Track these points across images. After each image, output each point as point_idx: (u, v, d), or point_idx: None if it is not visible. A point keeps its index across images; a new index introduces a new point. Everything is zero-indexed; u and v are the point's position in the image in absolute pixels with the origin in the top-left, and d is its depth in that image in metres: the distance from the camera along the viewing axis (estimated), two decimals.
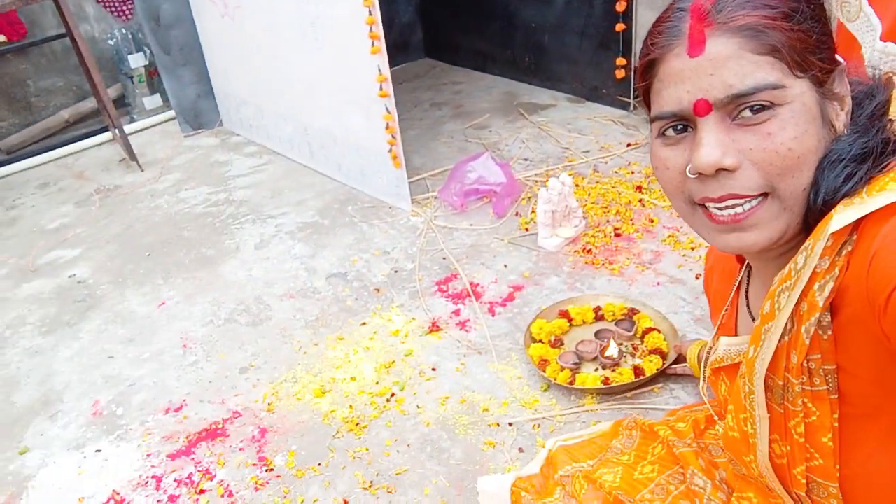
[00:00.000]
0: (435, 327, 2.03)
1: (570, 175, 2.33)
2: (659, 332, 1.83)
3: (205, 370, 2.01)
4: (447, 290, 2.19)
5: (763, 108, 0.61)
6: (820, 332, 0.63)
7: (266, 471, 1.65)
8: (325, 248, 2.55)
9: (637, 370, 1.70)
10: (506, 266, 2.27)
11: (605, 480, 0.99)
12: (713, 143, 0.62)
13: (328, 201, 2.89)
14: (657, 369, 1.70)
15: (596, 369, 1.77)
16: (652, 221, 2.40)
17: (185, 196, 3.10)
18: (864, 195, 0.60)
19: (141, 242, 2.75)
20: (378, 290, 2.26)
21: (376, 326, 2.09)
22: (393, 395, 1.82)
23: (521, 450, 1.60)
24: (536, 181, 2.75)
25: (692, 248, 2.23)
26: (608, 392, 1.69)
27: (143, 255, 2.66)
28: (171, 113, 3.80)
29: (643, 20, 3.04)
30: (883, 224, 0.56)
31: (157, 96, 3.88)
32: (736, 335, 0.84)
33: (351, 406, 1.81)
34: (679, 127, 0.66)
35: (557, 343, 1.86)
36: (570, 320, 1.93)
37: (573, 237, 2.32)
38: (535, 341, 1.87)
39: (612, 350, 1.78)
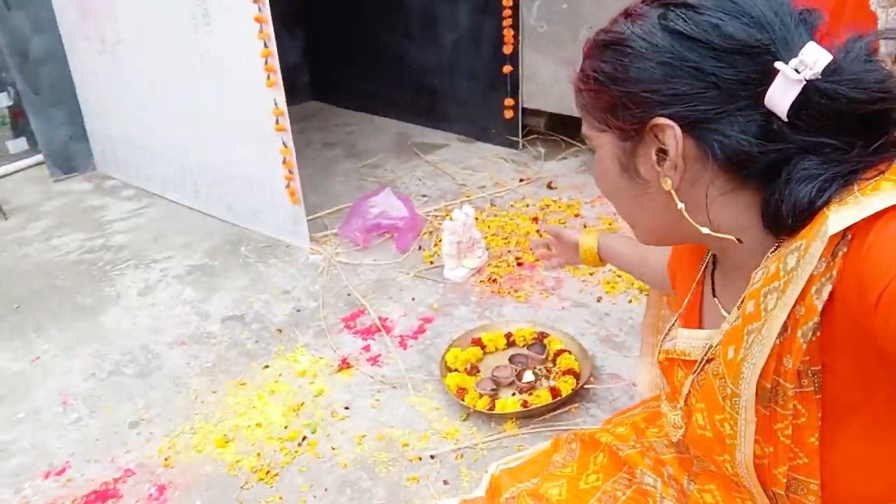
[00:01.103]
0: (345, 364, 1.95)
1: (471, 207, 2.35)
2: (570, 353, 1.85)
3: (90, 427, 1.81)
4: (355, 326, 2.13)
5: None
6: (810, 334, 0.62)
7: None
8: (218, 290, 2.42)
9: (554, 391, 1.71)
10: (413, 299, 2.24)
11: (551, 495, 0.96)
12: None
13: (217, 242, 2.75)
14: (572, 389, 1.71)
15: (513, 394, 1.76)
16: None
17: (58, 243, 2.85)
18: (857, 194, 0.58)
19: (9, 294, 2.48)
20: (280, 331, 2.15)
21: (281, 368, 1.98)
22: (305, 438, 1.72)
23: (445, 482, 1.54)
24: (436, 216, 2.75)
25: (591, 274, 2.30)
26: (528, 415, 1.68)
27: (11, 307, 2.40)
28: (39, 157, 3.51)
29: (529, 62, 3.18)
30: (876, 222, 0.56)
31: (23, 140, 3.58)
32: (700, 326, 0.84)
33: (259, 454, 1.69)
34: None
35: (474, 371, 1.84)
36: (483, 348, 1.92)
37: (478, 267, 2.33)
38: (450, 370, 1.83)
39: (528, 377, 1.78)
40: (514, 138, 3.42)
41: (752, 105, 0.62)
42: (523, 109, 3.34)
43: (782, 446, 0.68)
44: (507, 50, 3.17)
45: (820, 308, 0.60)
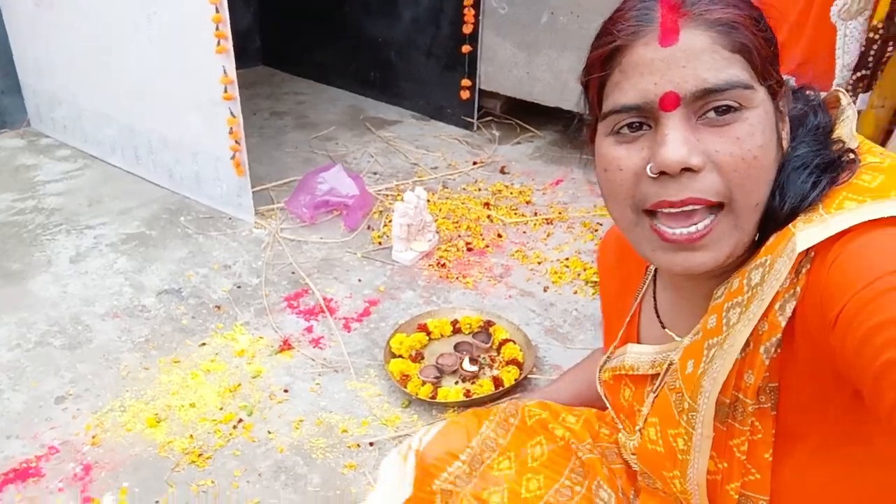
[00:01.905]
0: (286, 345, 1.90)
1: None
2: (514, 343, 1.85)
3: (12, 401, 1.72)
4: (298, 306, 2.07)
5: (729, 109, 0.59)
6: (772, 350, 0.62)
7: None
8: (155, 261, 2.32)
9: (497, 381, 1.70)
10: (360, 280, 2.20)
11: (494, 502, 0.94)
12: (679, 139, 0.59)
13: (156, 211, 2.64)
14: (515, 380, 1.71)
15: (456, 382, 1.75)
16: (500, 237, 2.45)
17: None
18: (821, 211, 0.59)
19: None
20: (219, 308, 2.08)
21: (218, 347, 1.92)
22: (240, 420, 1.68)
23: None
24: (387, 195, 2.71)
25: (539, 263, 2.30)
26: (469, 405, 1.67)
27: None
28: None
29: (488, 43, 3.13)
30: (838, 240, 0.56)
31: None
32: (638, 341, 0.83)
33: (191, 435, 1.63)
34: (636, 124, 0.62)
35: (418, 357, 1.82)
36: (428, 334, 1.90)
37: (427, 251, 2.30)
38: (394, 356, 1.81)
39: (467, 365, 1.77)
40: (470, 119, 3.38)
41: None
42: (480, 91, 3.31)
43: (737, 462, 0.68)
44: (467, 29, 3.11)
45: (783, 324, 0.59)
